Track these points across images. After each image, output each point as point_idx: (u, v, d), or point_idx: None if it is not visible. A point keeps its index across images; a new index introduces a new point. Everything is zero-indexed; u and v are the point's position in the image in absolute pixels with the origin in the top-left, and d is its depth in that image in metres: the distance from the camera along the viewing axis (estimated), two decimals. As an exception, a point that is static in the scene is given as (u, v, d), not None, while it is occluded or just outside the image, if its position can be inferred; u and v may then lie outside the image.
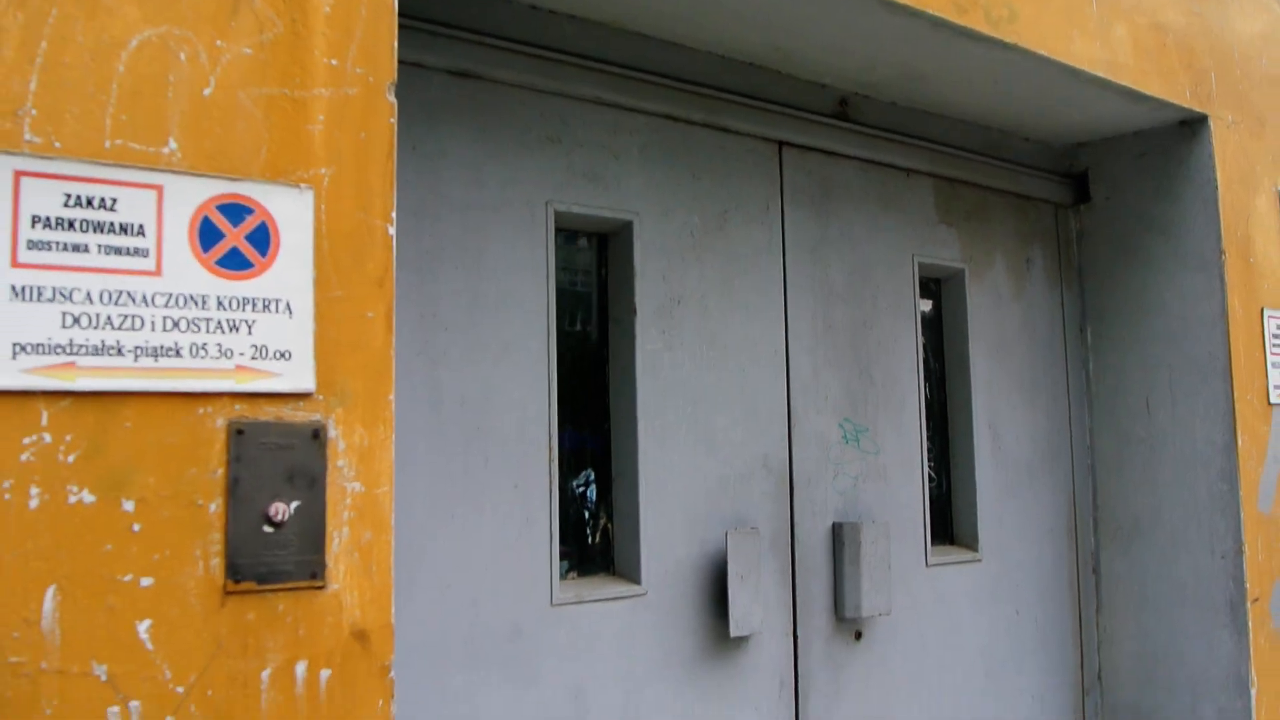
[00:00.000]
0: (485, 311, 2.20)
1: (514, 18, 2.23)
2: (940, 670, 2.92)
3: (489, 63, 2.19)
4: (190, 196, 1.46)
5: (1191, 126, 3.15)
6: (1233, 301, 3.09)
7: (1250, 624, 3.03)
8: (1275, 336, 3.24)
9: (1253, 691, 3.01)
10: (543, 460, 2.23)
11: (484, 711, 2.12)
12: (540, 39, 2.26)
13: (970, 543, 3.06)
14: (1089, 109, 3.05)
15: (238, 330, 1.48)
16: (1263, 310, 3.19)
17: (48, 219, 1.36)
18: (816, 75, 2.72)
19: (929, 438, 3.00)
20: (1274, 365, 3.22)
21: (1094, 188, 3.41)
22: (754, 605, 2.44)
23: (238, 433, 1.47)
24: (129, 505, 1.39)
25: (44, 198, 1.36)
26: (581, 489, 2.41)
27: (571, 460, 2.40)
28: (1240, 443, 3.05)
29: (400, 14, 1.67)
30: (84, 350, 1.37)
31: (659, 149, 2.48)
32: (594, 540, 2.42)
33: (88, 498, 1.36)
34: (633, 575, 2.38)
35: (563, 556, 2.34)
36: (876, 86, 2.82)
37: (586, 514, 2.42)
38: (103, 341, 1.39)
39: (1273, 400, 3.19)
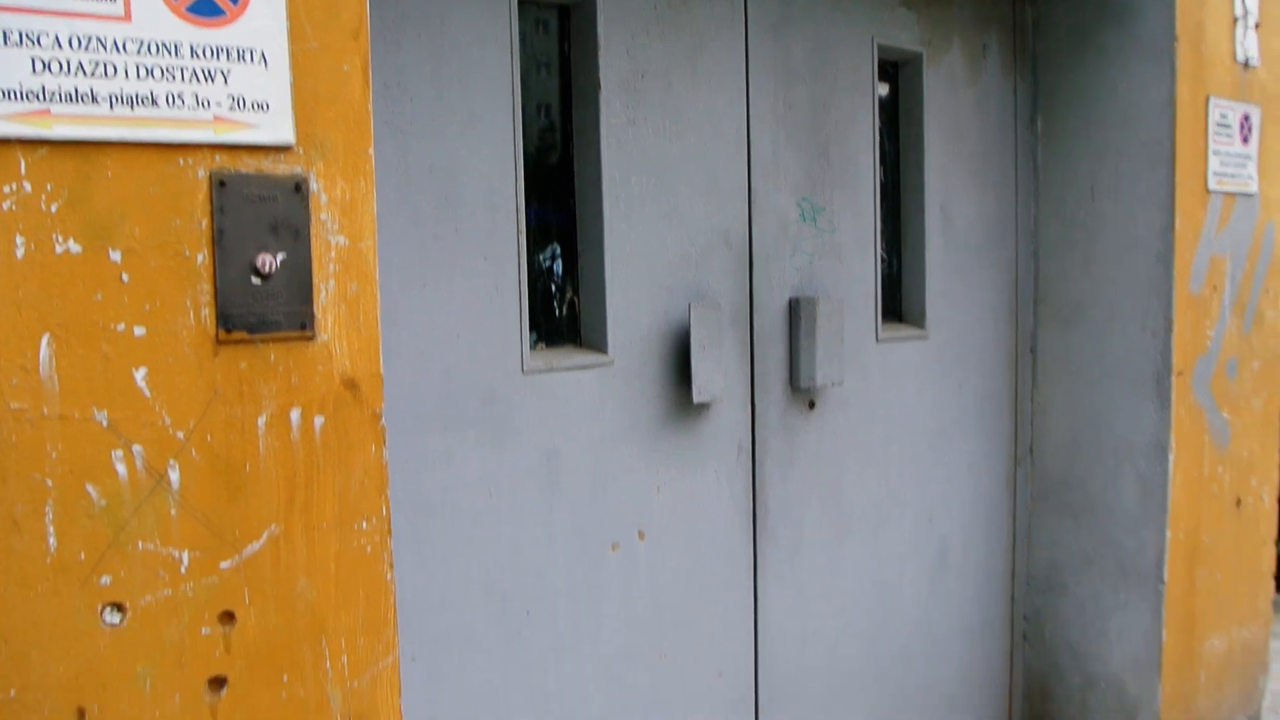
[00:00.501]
0: (449, 83, 2.17)
1: None
2: (886, 440, 3.08)
3: None
4: (156, -63, 1.41)
5: (1153, -93, 3.11)
6: (1181, 89, 3.14)
7: (1174, 396, 3.22)
8: (1218, 125, 3.31)
9: (1170, 457, 3.22)
10: (510, 231, 2.26)
11: (462, 473, 2.21)
12: None
13: (918, 320, 3.17)
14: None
15: (213, 80, 1.46)
16: (1208, 98, 3.24)
17: (10, -44, 1.32)
18: None
19: (882, 218, 3.06)
20: (1214, 153, 3.30)
21: (1053, -30, 3.38)
22: (715, 374, 2.53)
23: (220, 184, 1.47)
24: (116, 255, 1.40)
25: (5, -67, 1.31)
26: (548, 263, 2.45)
27: (538, 235, 2.42)
28: (1177, 227, 3.16)
29: None
30: (58, 97, 1.35)
31: (622, -87, 2.40)
32: (561, 313, 2.48)
33: (74, 247, 1.37)
34: (600, 345, 2.45)
35: (531, 328, 2.40)
36: None
37: (554, 287, 2.46)
38: (76, 89, 1.36)
39: (1210, 187, 3.29)
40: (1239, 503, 3.58)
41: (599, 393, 2.43)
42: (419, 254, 2.13)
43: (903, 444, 3.12)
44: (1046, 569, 3.57)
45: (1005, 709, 3.60)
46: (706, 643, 2.68)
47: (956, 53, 3.21)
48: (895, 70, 3.14)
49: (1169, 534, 3.25)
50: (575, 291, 2.48)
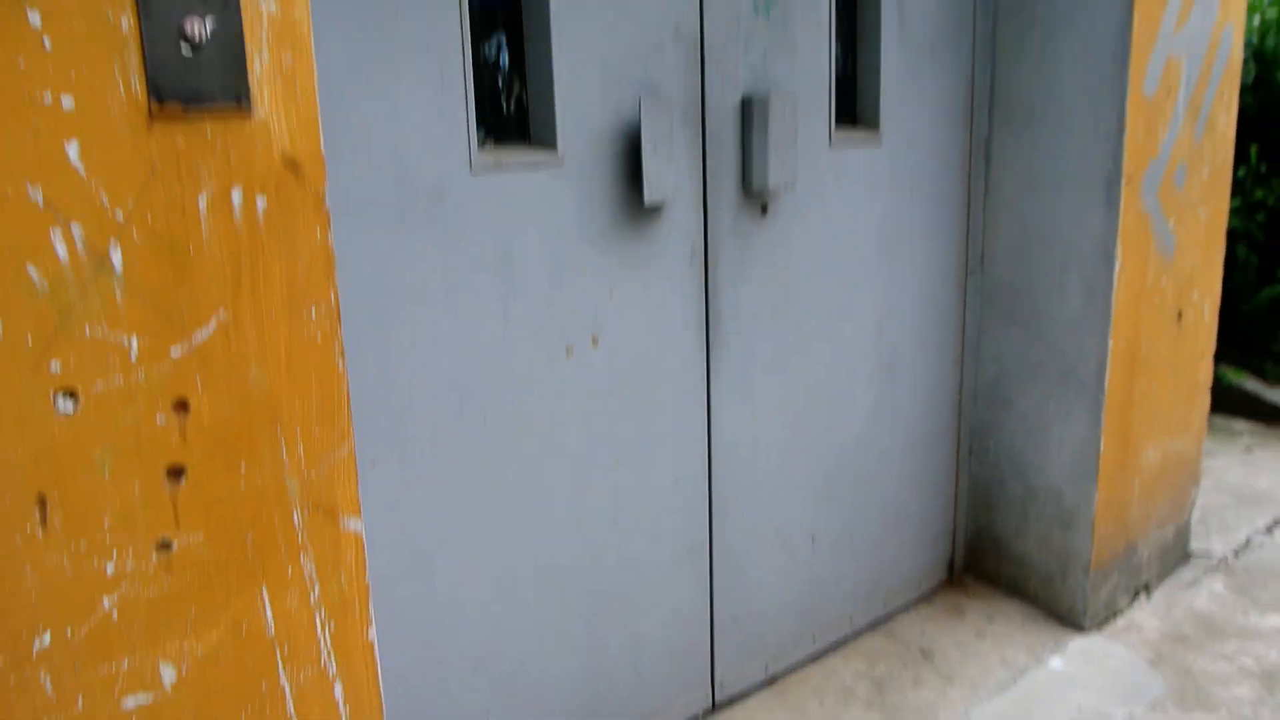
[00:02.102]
0: None
1: None
2: (838, 247, 3.06)
3: None
4: None
5: None
6: (1146, -127, 3.04)
7: (1122, 201, 3.22)
8: (1181, -86, 3.22)
9: (1116, 263, 3.26)
10: (453, 19, 2.15)
11: (419, 271, 2.16)
12: None
13: (872, 122, 3.12)
14: None
15: None
16: (1173, -116, 3.14)
17: None
18: None
19: (837, 13, 2.96)
20: (1177, -57, 3.22)
21: None
22: (666, 173, 2.48)
23: (141, -58, 1.36)
24: (35, 18, 1.30)
25: None
26: (494, 54, 2.34)
27: (482, 24, 2.31)
28: (1135, 23, 3.10)
29: None
30: None
31: None
32: (509, 109, 2.39)
33: (-12, 6, 1.27)
34: (549, 142, 2.38)
35: (480, 125, 2.31)
36: None
37: (500, 81, 2.37)
38: None
39: (1171, -20, 3.22)
40: (1180, 315, 3.64)
41: (550, 192, 2.37)
42: (361, 44, 2.02)
43: (854, 251, 3.11)
44: (993, 381, 3.64)
45: (951, 519, 3.72)
46: (662, 449, 2.72)
47: None
48: None
49: (1111, 343, 3.31)
50: (524, 86, 2.39)
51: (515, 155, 2.33)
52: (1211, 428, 5.20)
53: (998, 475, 3.70)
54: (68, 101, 1.33)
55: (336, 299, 1.57)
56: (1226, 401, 5.38)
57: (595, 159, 2.44)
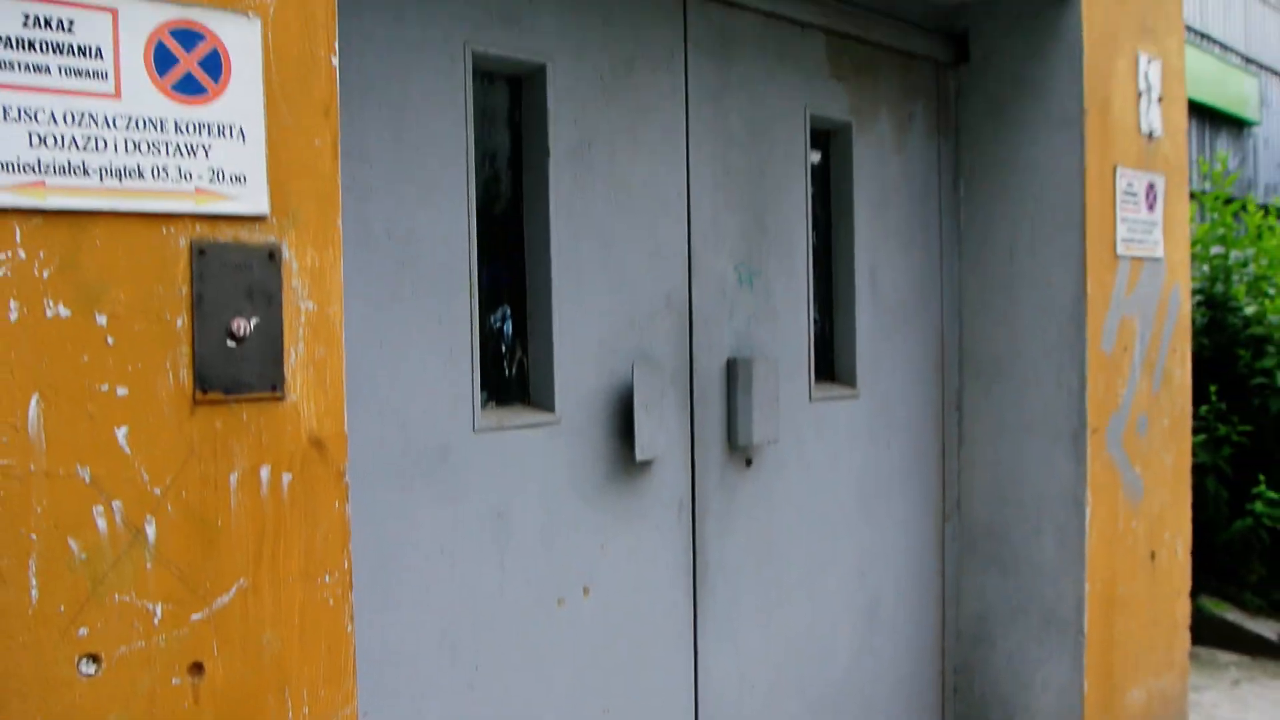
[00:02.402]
0: (409, 151, 2.27)
1: None
2: (820, 497, 3.20)
3: (408, -100, 2.21)
4: (144, 20, 1.50)
5: (1062, -9, 3.35)
6: (1090, 159, 3.36)
7: (1089, 451, 3.39)
8: (1125, 193, 3.54)
9: (1087, 510, 3.39)
10: (464, 294, 2.35)
11: (418, 527, 2.28)
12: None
13: (849, 380, 3.32)
14: (971, -29, 3.22)
15: (195, 154, 1.55)
16: (1115, 167, 3.47)
17: (9, 39, 1.39)
18: (720, -73, 2.81)
19: (815, 282, 3.21)
20: (1122, 219, 3.52)
21: (973, 47, 3.60)
22: (657, 433, 2.64)
23: (200, 252, 1.55)
24: (102, 319, 1.47)
25: (3, 17, 1.39)
26: (499, 324, 2.54)
27: (490, 296, 2.52)
28: (1089, 290, 3.36)
29: None
30: (52, 170, 1.43)
31: (571, -5, 2.55)
32: (511, 372, 2.57)
33: (64, 311, 1.44)
34: (547, 404, 2.54)
35: (483, 387, 2.48)
36: (776, -59, 2.92)
37: (504, 347, 2.55)
38: (69, 161, 1.44)
39: (1119, 252, 3.51)
40: (1153, 555, 3.76)
41: (547, 450, 2.52)
42: (377, 314, 2.22)
43: (835, 501, 3.25)
44: (975, 622, 3.71)
45: (936, 757, 3.71)
46: (649, 696, 2.76)
47: (884, 122, 3.40)
48: (827, 139, 3.32)
49: (1087, 585, 3.41)
50: (525, 352, 2.58)
51: (516, 416, 2.49)
52: (1197, 660, 5.21)
53: (984, 716, 3.70)
54: (122, 390, 1.48)
55: (350, 565, 1.68)
56: (1209, 633, 5.41)
57: (590, 419, 2.60)
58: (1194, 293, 5.80)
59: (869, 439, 3.36)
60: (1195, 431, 5.23)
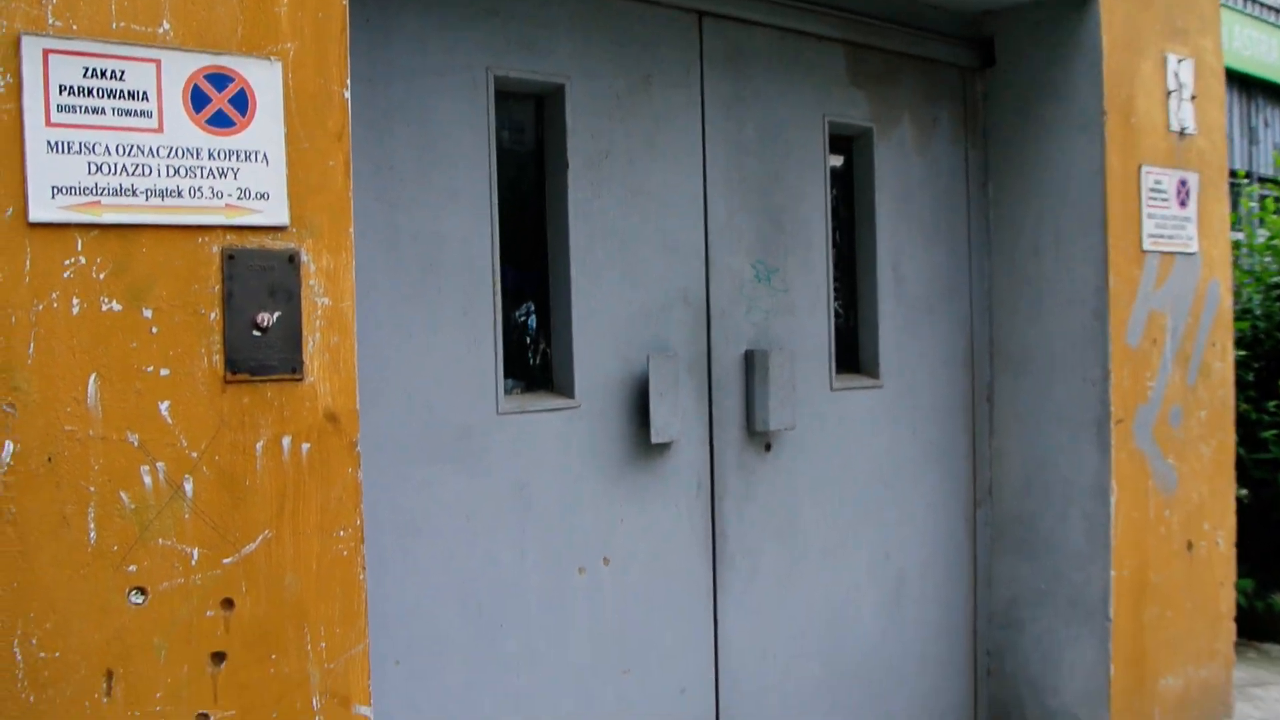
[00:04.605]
0: (434, 164, 2.56)
1: (455, -98, 2.54)
2: (842, 478, 3.39)
3: (433, -56, 2.51)
4: (183, 68, 1.82)
5: (1082, -3, 3.48)
6: (1111, 159, 3.47)
7: (1114, 442, 3.50)
8: (1152, 191, 3.63)
9: (1112, 499, 3.50)
10: (487, 291, 2.64)
11: (442, 498, 2.57)
12: (479, -79, 2.57)
13: (872, 370, 3.50)
14: (988, -20, 3.38)
15: (225, 176, 1.86)
16: (1140, 166, 3.57)
17: (71, 87, 1.73)
18: (734, -50, 3.04)
19: (837, 278, 3.40)
20: (1149, 216, 3.61)
21: (999, 52, 3.74)
22: (672, 418, 2.88)
23: (229, 257, 1.86)
24: (148, 313, 1.79)
25: (67, 70, 1.72)
26: (523, 318, 2.82)
27: (515, 295, 2.80)
28: (1111, 284, 3.47)
29: (349, -90, 2.00)
30: (106, 192, 1.75)
31: (587, 19, 2.81)
32: (535, 362, 2.85)
33: (116, 306, 1.76)
34: (568, 391, 2.81)
35: (510, 375, 2.77)
36: (790, -40, 3.14)
37: (528, 340, 2.83)
38: (120, 185, 1.77)
39: (1145, 248, 3.60)
40: (1190, 545, 3.82)
41: (566, 432, 2.78)
42: (406, 309, 2.52)
43: (858, 484, 3.44)
44: (1007, 605, 3.84)
45: (969, 735, 3.85)
46: (669, 660, 3.00)
47: (907, 126, 3.57)
48: (848, 143, 3.51)
49: (1113, 572, 3.51)
50: (548, 344, 2.86)
51: (538, 401, 2.76)
52: (1269, 656, 5.18)
53: (1016, 697, 3.83)
54: (164, 371, 1.80)
55: (361, 522, 1.97)
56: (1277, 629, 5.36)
57: (609, 404, 2.86)
58: (1273, 287, 5.73)
59: (893, 426, 3.53)
60: (1268, 427, 5.22)
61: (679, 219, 3.00)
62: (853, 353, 3.55)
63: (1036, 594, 3.74)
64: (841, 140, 3.49)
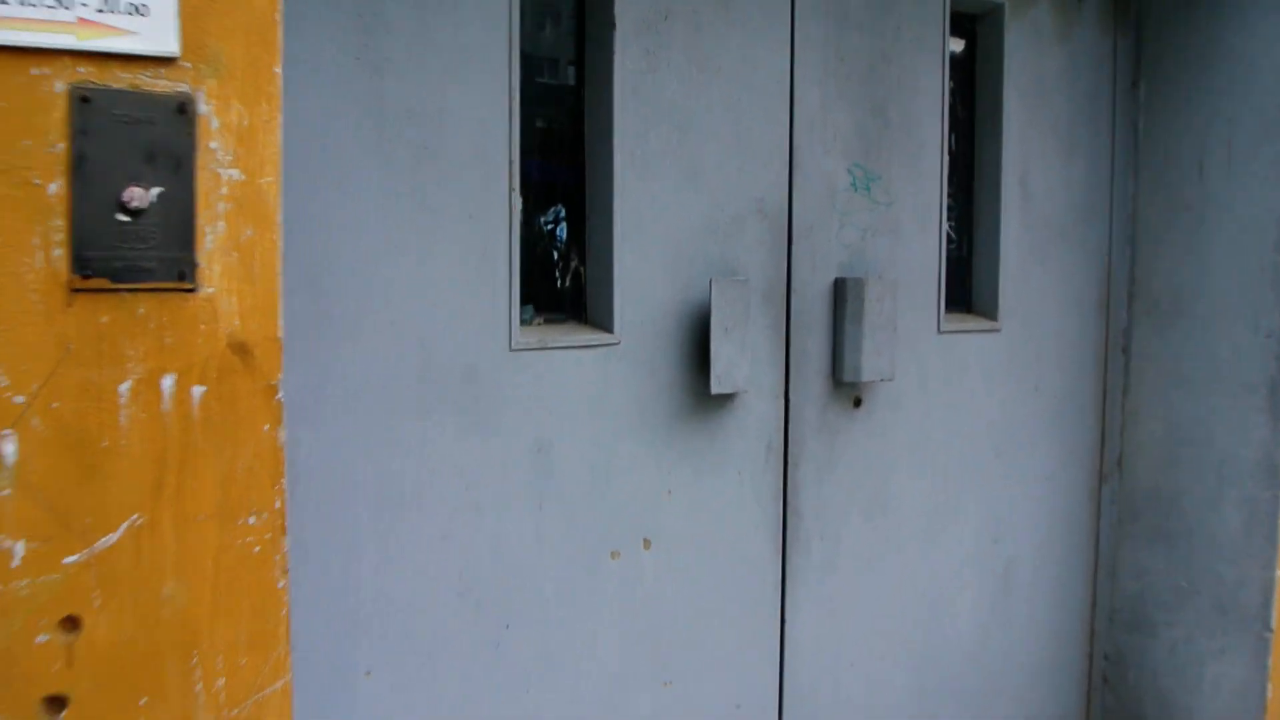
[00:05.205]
0: (436, 12, 1.89)
1: None
2: (946, 445, 2.72)
3: None
4: None
5: None
6: (1313, 46, 2.71)
7: (1290, 409, 2.79)
8: (1356, 90, 2.85)
9: (1284, 480, 2.80)
10: (501, 188, 1.97)
11: (438, 461, 1.94)
12: None
13: (989, 311, 2.81)
14: None
15: (76, -28, 1.20)
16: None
17: None
18: None
19: (950, 192, 2.70)
20: (1351, 121, 2.85)
21: (1165, -86, 2.96)
22: (739, 361, 2.22)
23: (82, 100, 1.22)
24: (-56, 178, 1.15)
25: None
26: (550, 226, 2.16)
27: (541, 194, 2.14)
28: (1301, 207, 2.73)
29: None
30: None
31: None
32: (564, 284, 2.19)
33: (-113, 165, 1.12)
34: (605, 323, 2.15)
35: (528, 301, 2.12)
36: None
37: (556, 255, 2.17)
38: (-106, -28, 1.12)
39: (1347, 164, 2.84)
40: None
41: (601, 377, 2.13)
42: (393, 210, 1.87)
43: (965, 450, 2.76)
44: (1133, 602, 3.16)
45: (1078, 756, 3.20)
46: (722, 669, 2.37)
47: (1045, 5, 2.82)
48: (972, 24, 2.77)
49: (1279, 572, 2.82)
50: (581, 261, 2.19)
51: (565, 334, 2.11)
52: None
53: (1137, 713, 3.17)
54: (-28, 271, 1.16)
55: (283, 505, 1.34)
56: None
57: (657, 342, 2.20)
58: None
59: (1010, 380, 2.84)
60: None
61: (757, 105, 2.30)
62: (964, 288, 2.84)
63: (1173, 592, 3.06)
64: (964, 20, 2.76)
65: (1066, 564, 3.06)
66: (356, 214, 1.82)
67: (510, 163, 1.98)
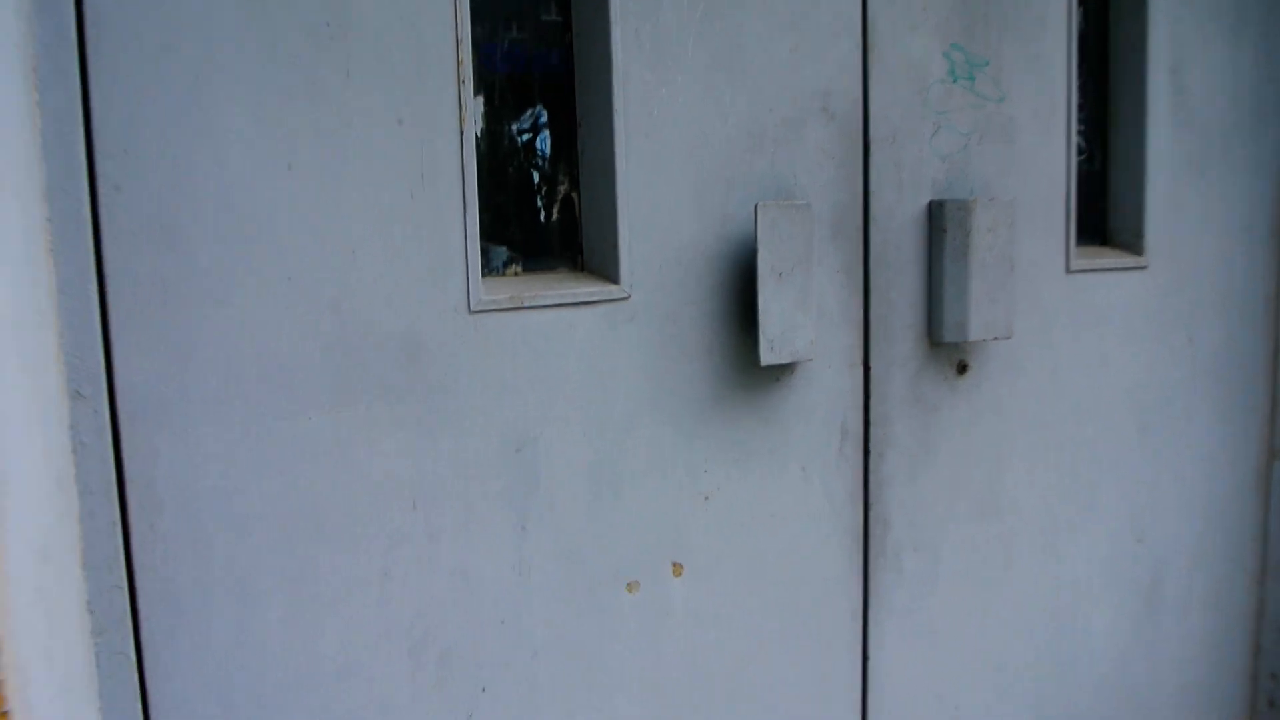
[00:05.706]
0: None
1: None
2: (1076, 420, 2.08)
3: None
4: None
5: None
6: None
7: None
8: None
9: None
10: (446, 78, 1.37)
11: (369, 470, 1.37)
12: None
13: (1132, 243, 2.15)
14: None
15: None
16: None
17: None
18: None
19: (1080, 86, 2.04)
20: None
21: None
22: (799, 318, 1.60)
23: None
24: None
25: None
26: (528, 135, 1.55)
27: (512, 92, 1.53)
28: None
29: None
30: None
31: None
32: (549, 217, 1.58)
33: None
34: (608, 270, 1.55)
35: (500, 241, 1.52)
36: None
37: (536, 177, 1.57)
38: None
39: None
40: None
41: (604, 345, 1.53)
42: (285, 110, 1.28)
43: (1101, 426, 2.12)
44: (1308, 606, 2.51)
45: (1241, 797, 2.57)
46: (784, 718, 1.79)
47: None
48: None
49: None
50: (573, 185, 1.59)
51: (549, 287, 1.51)
52: None
53: (1318, 751, 2.53)
54: None
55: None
56: None
57: (682, 294, 1.59)
58: None
59: (1160, 333, 2.19)
60: None
61: (818, -39, 1.67)
62: (1099, 213, 2.18)
63: (1367, 598, 2.40)
64: None
65: (1227, 566, 2.42)
66: (227, 124, 1.24)
67: (458, 43, 1.38)
